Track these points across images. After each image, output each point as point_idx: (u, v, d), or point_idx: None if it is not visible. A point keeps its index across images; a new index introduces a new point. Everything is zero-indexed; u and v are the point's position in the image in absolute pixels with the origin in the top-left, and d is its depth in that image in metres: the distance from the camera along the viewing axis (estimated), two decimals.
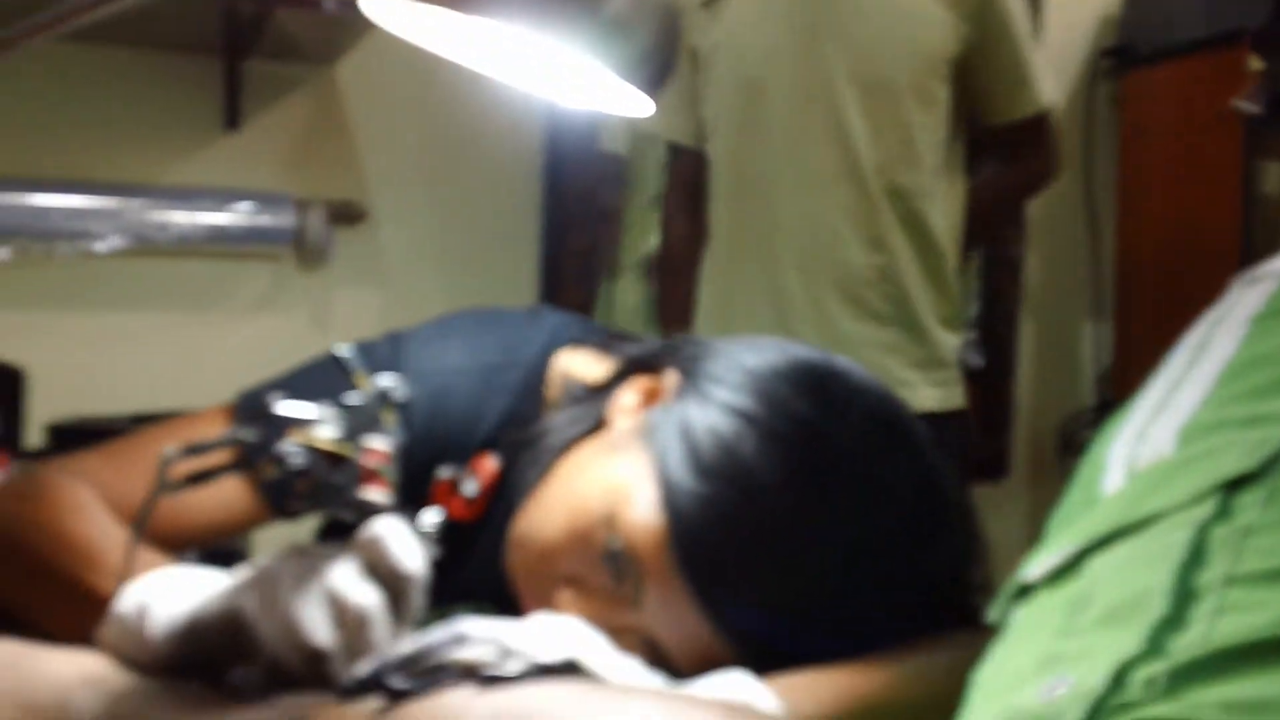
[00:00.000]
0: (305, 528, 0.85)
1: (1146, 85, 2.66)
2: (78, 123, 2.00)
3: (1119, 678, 0.30)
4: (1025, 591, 0.38)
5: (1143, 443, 0.38)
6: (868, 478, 0.65)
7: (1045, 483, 2.74)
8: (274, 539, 0.82)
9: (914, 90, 1.68)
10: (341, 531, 0.59)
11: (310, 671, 0.51)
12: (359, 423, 0.55)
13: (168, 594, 0.54)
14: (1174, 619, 0.31)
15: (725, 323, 1.78)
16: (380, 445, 0.56)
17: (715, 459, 0.64)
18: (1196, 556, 0.32)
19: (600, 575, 0.67)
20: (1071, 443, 2.72)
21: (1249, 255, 2.35)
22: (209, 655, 0.53)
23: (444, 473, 0.79)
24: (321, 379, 0.80)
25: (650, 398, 0.73)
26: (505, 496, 0.77)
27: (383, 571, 0.53)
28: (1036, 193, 1.91)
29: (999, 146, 1.84)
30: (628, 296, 2.48)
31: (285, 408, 0.54)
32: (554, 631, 0.50)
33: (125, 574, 0.58)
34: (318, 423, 0.54)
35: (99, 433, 1.01)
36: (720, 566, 0.63)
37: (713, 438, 0.65)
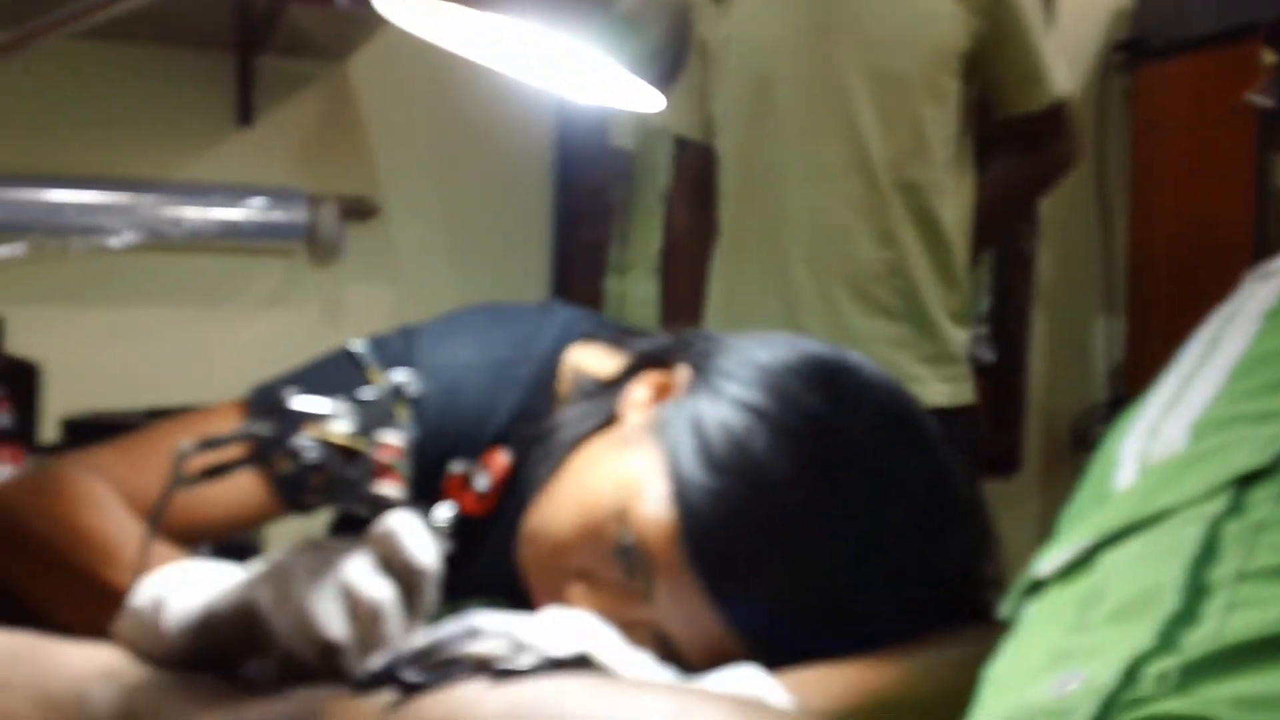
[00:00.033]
0: (318, 521, 0.85)
1: (1159, 79, 2.65)
2: (92, 119, 2.01)
3: (1131, 673, 0.30)
4: (1037, 587, 0.38)
5: (1155, 438, 0.38)
6: (878, 473, 0.65)
7: (1057, 478, 2.73)
8: (287, 533, 0.83)
9: (925, 84, 1.68)
10: (354, 525, 0.59)
11: (324, 665, 0.51)
12: (373, 418, 0.55)
13: (183, 587, 0.54)
14: (1186, 614, 0.31)
15: (734, 317, 1.78)
16: (394, 440, 0.56)
17: (726, 454, 0.64)
18: (1209, 552, 0.32)
19: (612, 570, 0.67)
20: (1084, 438, 2.71)
21: (1262, 250, 2.34)
22: (224, 648, 0.53)
23: (456, 467, 0.79)
24: (335, 374, 0.80)
25: (662, 393, 0.74)
26: (517, 491, 0.77)
27: (396, 566, 0.53)
28: (1057, 182, 1.90)
29: (1017, 138, 1.83)
30: (638, 291, 2.48)
31: (300, 403, 0.54)
32: (566, 625, 0.50)
33: (141, 568, 0.58)
34: (332, 418, 0.55)
35: (113, 427, 1.01)
36: (731, 561, 0.63)
37: (724, 433, 0.65)
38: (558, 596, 0.69)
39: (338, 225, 2.12)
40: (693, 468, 0.64)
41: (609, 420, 0.74)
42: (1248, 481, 0.33)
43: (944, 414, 1.56)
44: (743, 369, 0.69)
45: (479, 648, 0.48)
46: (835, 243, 1.70)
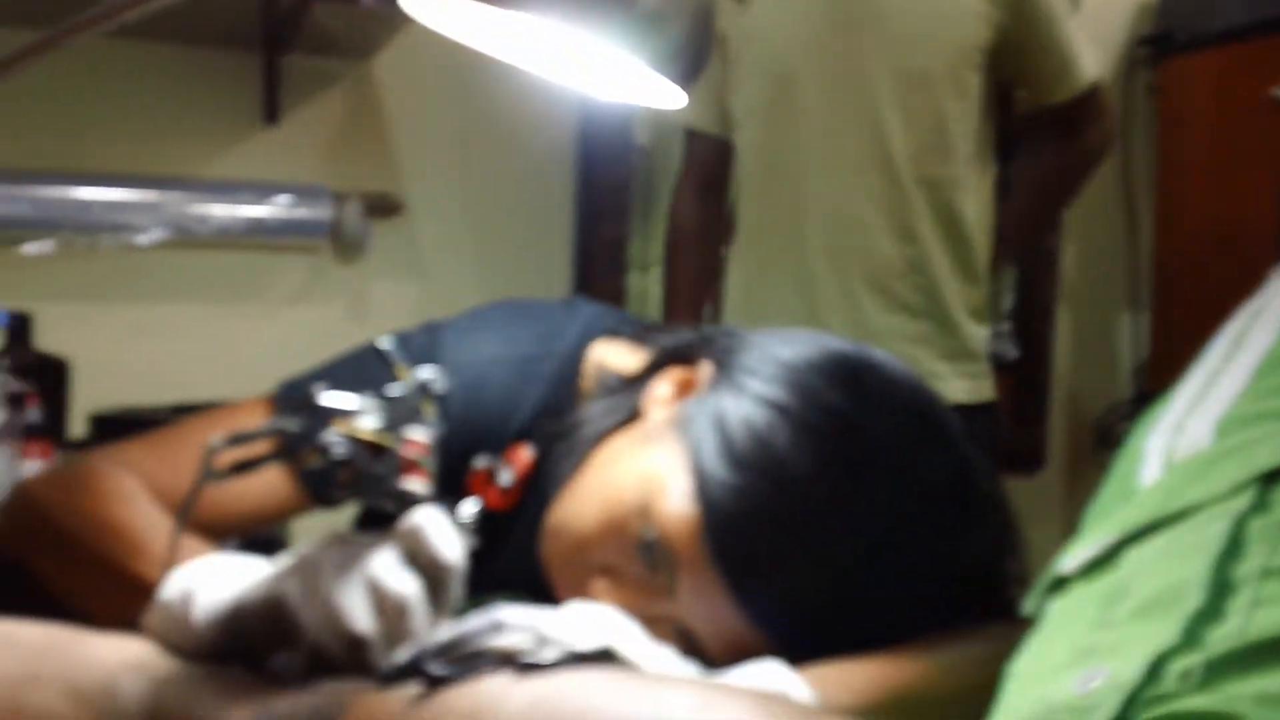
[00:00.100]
0: (344, 516, 0.86)
1: (1185, 74, 2.62)
2: (120, 118, 2.03)
3: (1155, 669, 0.30)
4: (1061, 584, 0.38)
5: (1180, 434, 0.38)
6: (901, 469, 0.65)
7: (1081, 475, 2.72)
8: (312, 527, 0.83)
9: (948, 80, 1.67)
10: (379, 519, 0.60)
11: (351, 658, 0.52)
12: (400, 414, 0.56)
13: (211, 581, 0.55)
14: (1210, 611, 0.31)
15: (754, 312, 1.78)
16: (420, 436, 0.56)
17: (749, 450, 0.64)
18: (1233, 548, 0.32)
19: (634, 565, 0.67)
20: (1108, 435, 2.70)
21: None
22: (251, 641, 0.54)
23: (480, 463, 0.80)
24: (363, 370, 0.81)
25: (684, 389, 0.74)
26: (540, 487, 0.77)
27: (422, 561, 0.54)
28: (1099, 165, 1.88)
29: (1051, 127, 1.82)
30: (659, 288, 2.48)
31: (328, 399, 0.55)
32: (590, 619, 0.51)
33: (170, 561, 0.59)
34: (360, 413, 0.55)
35: (140, 423, 1.02)
36: (753, 557, 0.64)
37: (746, 429, 0.65)
38: (581, 592, 0.69)
39: (362, 222, 2.13)
40: (715, 464, 0.65)
41: (632, 416, 0.74)
42: (1273, 478, 0.33)
43: (964, 411, 1.55)
44: (765, 365, 0.69)
45: (504, 642, 0.48)
46: (855, 238, 1.69)
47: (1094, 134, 1.81)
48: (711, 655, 0.64)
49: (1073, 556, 0.37)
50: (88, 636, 0.57)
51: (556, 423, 0.78)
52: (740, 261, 1.83)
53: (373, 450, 0.55)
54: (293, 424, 0.55)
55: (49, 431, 1.39)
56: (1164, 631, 0.31)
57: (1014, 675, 0.36)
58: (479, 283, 2.25)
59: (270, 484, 0.78)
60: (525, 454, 0.80)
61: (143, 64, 2.02)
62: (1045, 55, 1.72)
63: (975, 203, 1.73)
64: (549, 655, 0.47)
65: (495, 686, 0.46)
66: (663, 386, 0.74)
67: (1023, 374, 2.64)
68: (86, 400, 1.66)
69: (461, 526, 0.56)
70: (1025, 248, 1.80)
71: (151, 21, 1.37)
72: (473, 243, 2.27)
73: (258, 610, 0.53)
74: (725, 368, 0.71)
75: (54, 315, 1.70)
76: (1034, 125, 1.82)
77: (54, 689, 0.54)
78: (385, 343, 0.83)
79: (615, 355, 0.82)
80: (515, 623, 0.49)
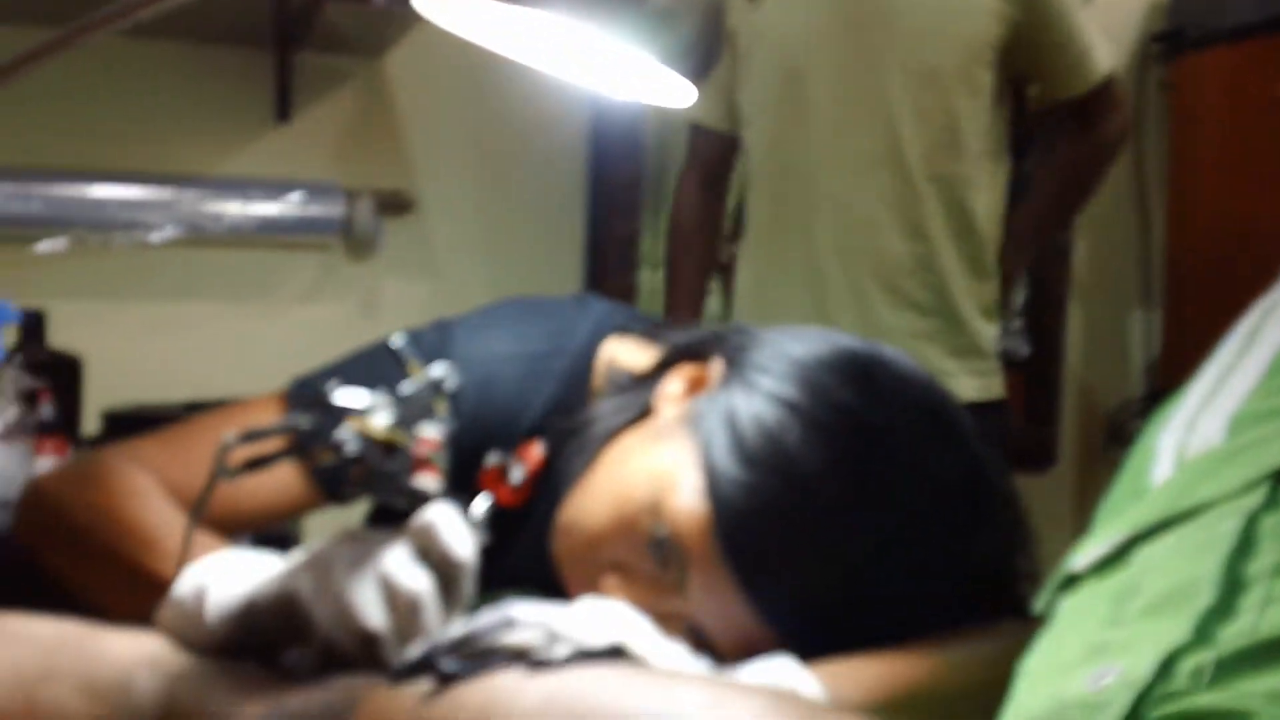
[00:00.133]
0: (356, 512, 0.86)
1: (1197, 70, 2.61)
2: (133, 116, 2.03)
3: (1166, 667, 0.30)
4: (1072, 581, 0.38)
5: (1192, 432, 0.38)
6: (912, 467, 0.65)
7: (1093, 472, 2.71)
8: (324, 523, 0.84)
9: (959, 77, 1.67)
10: (390, 514, 0.60)
11: (363, 654, 0.52)
12: (412, 411, 0.56)
13: (225, 577, 0.55)
14: (1222, 608, 0.31)
15: (763, 309, 1.77)
16: (432, 433, 0.56)
17: (759, 448, 0.64)
18: (1245, 546, 0.32)
19: (645, 562, 0.67)
20: (1120, 432, 2.69)
21: None
22: (264, 637, 0.54)
23: (492, 460, 0.80)
24: (375, 367, 0.81)
25: (695, 386, 0.74)
26: (551, 483, 0.77)
27: (434, 557, 0.54)
28: (1116, 156, 1.88)
29: (1068, 120, 1.82)
30: None
31: (340, 396, 0.55)
32: (601, 616, 0.51)
33: (183, 557, 0.59)
34: (372, 411, 0.55)
35: (153, 420, 1.03)
36: (764, 554, 0.64)
37: (757, 426, 0.65)
38: (592, 588, 0.69)
39: (374, 220, 2.13)
40: (726, 461, 0.65)
41: (643, 413, 0.74)
42: None
43: (973, 409, 1.54)
44: (776, 363, 0.69)
45: (515, 638, 0.48)
46: (865, 236, 1.69)
47: (1110, 126, 1.80)
48: (722, 651, 0.64)
49: (1084, 554, 0.37)
50: (102, 632, 0.58)
51: (568, 420, 0.78)
52: (750, 259, 1.83)
53: (385, 447, 0.55)
54: (305, 421, 0.56)
55: (62, 428, 1.39)
56: (1175, 629, 0.31)
57: (1025, 673, 0.36)
58: (490, 280, 2.25)
59: (283, 481, 0.79)
60: (536, 451, 0.80)
61: (155, 62, 2.02)
62: (1059, 49, 1.72)
63: (987, 200, 1.72)
64: (560, 652, 0.47)
65: (507, 683, 0.46)
66: (674, 384, 0.74)
67: (1034, 371, 2.63)
68: (100, 397, 1.66)
69: (473, 523, 0.56)
70: (1045, 246, 1.79)
71: (164, 20, 1.37)
72: (484, 240, 2.28)
73: (270, 606, 0.53)
74: (736, 365, 0.71)
75: (67, 313, 1.71)
76: (1048, 121, 1.82)
77: (68, 684, 0.54)
78: (397, 340, 0.83)
79: (626, 352, 0.82)
80: (527, 619, 0.49)
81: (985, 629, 0.65)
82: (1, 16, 1.77)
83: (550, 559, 0.73)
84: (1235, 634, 0.30)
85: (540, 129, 2.27)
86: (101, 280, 2.03)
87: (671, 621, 0.64)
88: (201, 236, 2.02)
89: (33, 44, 0.77)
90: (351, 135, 2.18)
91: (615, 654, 0.49)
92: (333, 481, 0.79)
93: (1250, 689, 0.29)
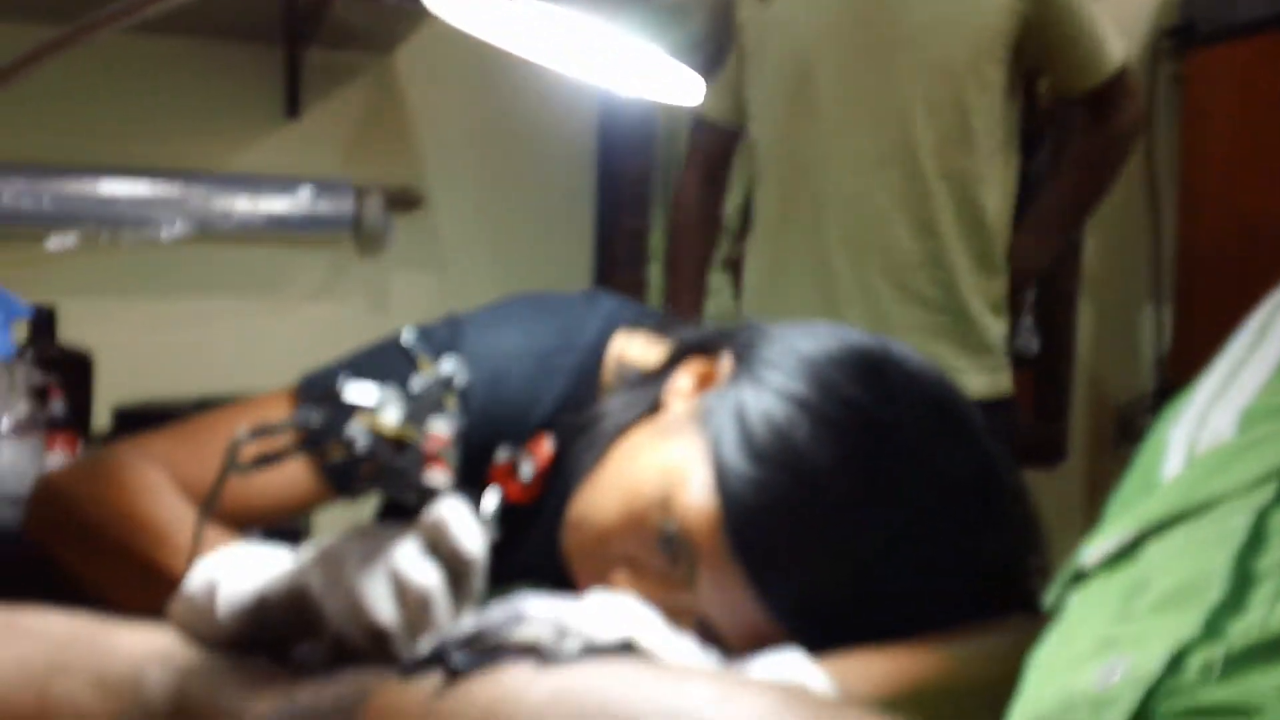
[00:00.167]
0: (366, 508, 0.86)
1: (1208, 65, 2.60)
2: (142, 112, 2.04)
3: (1175, 662, 0.30)
4: (1081, 576, 0.38)
5: (1203, 427, 0.38)
6: (921, 463, 0.65)
7: (1103, 468, 2.70)
8: (334, 519, 0.84)
9: (971, 73, 1.66)
10: (400, 509, 0.60)
11: (373, 648, 0.52)
12: (422, 407, 0.56)
13: (235, 572, 0.55)
14: (1232, 603, 0.31)
15: (772, 303, 1.77)
16: (442, 429, 0.56)
17: (769, 443, 0.64)
18: (1255, 541, 0.32)
19: (655, 557, 0.68)
20: (1130, 428, 2.68)
21: None
22: (275, 631, 0.54)
23: (502, 455, 0.80)
24: (386, 363, 0.81)
25: (705, 382, 0.74)
26: (561, 479, 0.78)
27: (444, 552, 0.54)
28: (1132, 147, 1.87)
29: (1082, 113, 1.81)
30: None
31: (350, 392, 0.55)
32: (611, 611, 0.51)
33: (194, 553, 0.59)
34: (382, 406, 0.55)
35: (163, 416, 1.03)
36: (773, 550, 0.64)
37: (766, 422, 0.65)
38: (602, 583, 0.70)
39: (383, 216, 2.14)
40: (735, 457, 0.65)
41: (653, 409, 0.74)
42: None
43: (982, 405, 1.54)
44: (786, 359, 0.69)
45: (525, 633, 0.48)
46: (874, 232, 1.69)
47: (1124, 117, 1.80)
48: (731, 646, 0.64)
49: (1094, 549, 0.37)
50: (113, 627, 0.58)
51: (577, 415, 0.78)
52: (758, 254, 1.82)
53: (395, 443, 0.55)
54: (316, 417, 0.56)
55: (73, 424, 1.40)
56: (1185, 624, 0.31)
57: (1035, 667, 0.36)
58: (500, 276, 2.26)
59: (293, 476, 0.79)
60: (546, 447, 0.80)
61: (164, 59, 2.03)
62: (1071, 42, 1.71)
63: (996, 196, 1.72)
64: (570, 647, 0.47)
65: (517, 678, 0.46)
66: (683, 379, 0.74)
67: (1044, 366, 2.63)
68: (110, 393, 1.67)
69: (483, 519, 0.56)
70: (1064, 242, 1.78)
71: (173, 16, 1.38)
72: (494, 236, 2.28)
73: (281, 601, 0.54)
74: (746, 361, 0.71)
75: (78, 309, 1.72)
76: (1061, 114, 1.81)
77: (80, 679, 0.55)
78: (407, 336, 0.83)
79: (636, 348, 0.82)
80: (536, 614, 0.49)
81: (995, 624, 0.65)
82: (11, 14, 1.78)
83: (560, 554, 0.73)
84: (1245, 629, 0.30)
85: (549, 125, 2.27)
86: (111, 277, 2.04)
87: (681, 616, 0.65)
88: (211, 233, 2.03)
89: (42, 41, 0.78)
90: (361, 131, 2.18)
91: (625, 649, 0.49)
92: (343, 477, 0.79)
93: (1260, 684, 0.29)
